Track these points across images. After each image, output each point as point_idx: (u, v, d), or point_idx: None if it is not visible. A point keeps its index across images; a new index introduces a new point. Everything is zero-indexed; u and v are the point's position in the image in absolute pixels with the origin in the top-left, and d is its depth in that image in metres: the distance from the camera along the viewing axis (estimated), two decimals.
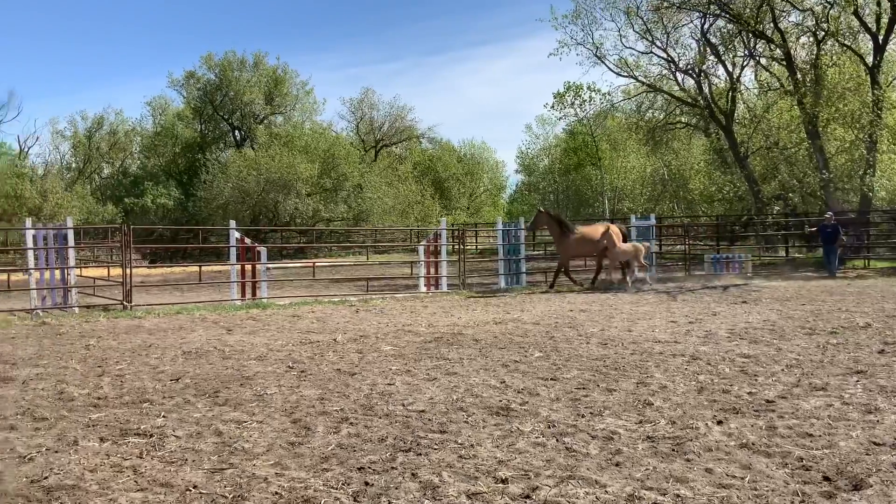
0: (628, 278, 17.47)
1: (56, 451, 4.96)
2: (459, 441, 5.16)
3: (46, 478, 4.42)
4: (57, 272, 14.83)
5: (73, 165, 54.80)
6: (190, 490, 4.20)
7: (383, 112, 58.45)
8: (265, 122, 53.36)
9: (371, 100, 58.21)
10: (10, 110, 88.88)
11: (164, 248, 38.99)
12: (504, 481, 4.36)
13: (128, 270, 14.78)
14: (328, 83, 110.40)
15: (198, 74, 52.90)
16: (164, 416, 5.88)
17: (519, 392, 6.67)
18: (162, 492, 4.19)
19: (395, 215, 46.39)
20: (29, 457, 4.83)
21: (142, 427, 5.56)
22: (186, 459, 4.78)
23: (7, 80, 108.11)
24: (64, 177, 50.78)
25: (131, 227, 15.43)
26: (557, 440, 5.14)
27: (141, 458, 4.83)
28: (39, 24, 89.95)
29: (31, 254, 14.84)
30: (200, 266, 19.74)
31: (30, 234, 14.90)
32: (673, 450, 4.86)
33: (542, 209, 19.47)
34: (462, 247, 19.63)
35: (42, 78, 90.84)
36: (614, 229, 17.84)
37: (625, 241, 17.96)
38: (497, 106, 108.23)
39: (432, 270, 18.51)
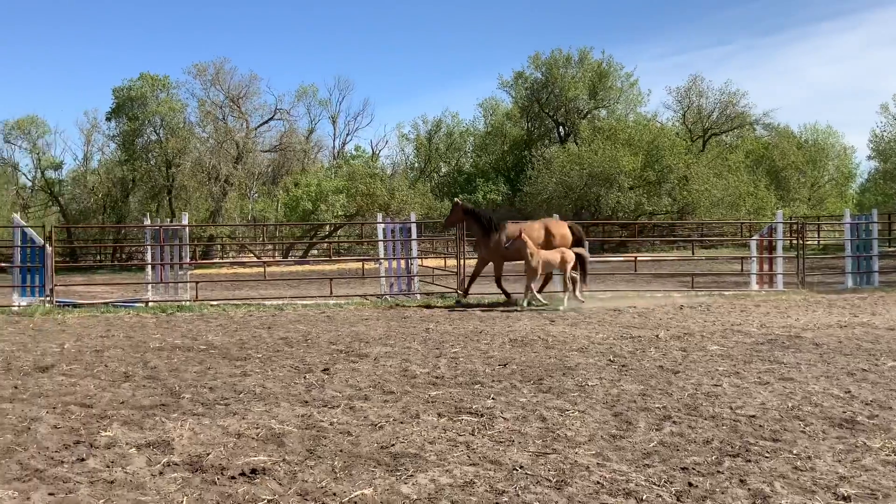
0: (574, 292, 13.60)
1: (401, 422, 5.55)
2: (794, 451, 4.77)
3: (393, 445, 4.97)
4: (402, 262, 16.52)
5: (416, 165, 60.65)
6: (517, 470, 4.43)
7: (712, 99, 55.54)
8: (588, 116, 53.87)
9: (699, 87, 55.62)
10: (364, 117, 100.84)
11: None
12: (846, 499, 3.94)
13: (461, 261, 15.96)
14: (652, 73, 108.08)
15: (525, 74, 55.11)
16: (493, 398, 6.27)
17: (867, 404, 5.96)
18: (492, 468, 4.48)
19: (723, 208, 43.89)
20: (379, 425, 5.46)
21: (473, 406, 5.98)
22: (513, 440, 5.05)
23: (363, 91, 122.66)
24: (408, 176, 56.38)
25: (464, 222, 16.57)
26: None
27: (473, 435, 5.21)
28: (387, 39, 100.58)
29: (381, 245, 16.76)
30: None
31: (380, 227, 16.91)
32: None
33: (458, 200, 15.98)
34: (801, 242, 17.98)
35: (388, 87, 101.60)
36: (534, 230, 14.00)
37: (578, 244, 14.17)
38: (844, 86, 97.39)
39: (766, 267, 17.26)
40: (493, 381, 7.02)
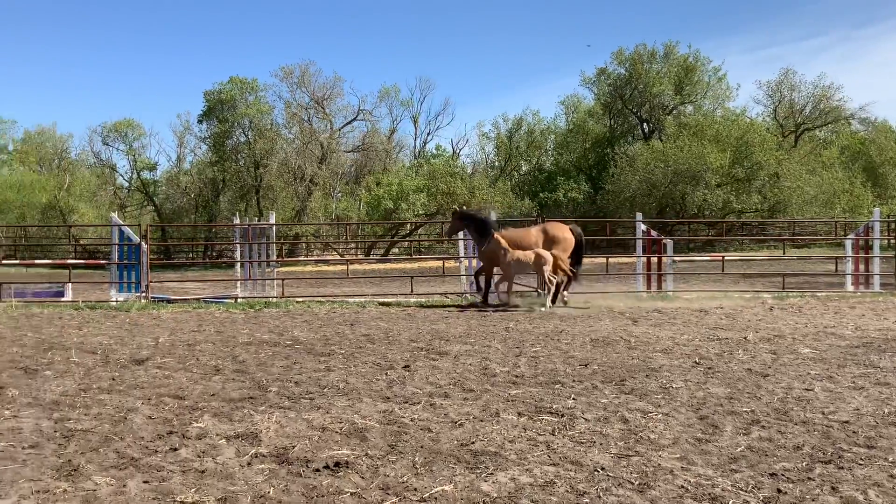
0: (560, 292, 13.63)
1: (481, 420, 5.56)
2: (891, 459, 4.55)
3: (473, 443, 4.98)
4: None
5: (496, 164, 60.56)
6: (598, 471, 4.39)
7: (805, 93, 53.52)
8: (674, 112, 52.68)
9: (791, 81, 53.72)
10: (445, 117, 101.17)
11: None
12: None
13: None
14: (741, 67, 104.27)
15: (608, 70, 54.34)
16: (573, 399, 6.21)
17: None
18: (572, 469, 4.44)
19: (816, 206, 42.20)
20: (459, 423, 5.49)
21: (554, 406, 5.94)
22: (594, 441, 4.99)
23: (444, 91, 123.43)
24: (488, 174, 56.39)
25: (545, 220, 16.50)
26: None
27: (553, 435, 5.17)
28: (468, 38, 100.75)
29: (461, 243, 16.81)
30: (607, 258, 20.27)
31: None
32: None
33: (457, 208, 15.53)
34: None
35: (469, 86, 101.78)
36: (531, 234, 14.05)
37: (579, 247, 14.20)
38: None
39: (862, 267, 16.50)
40: (574, 381, 6.95)
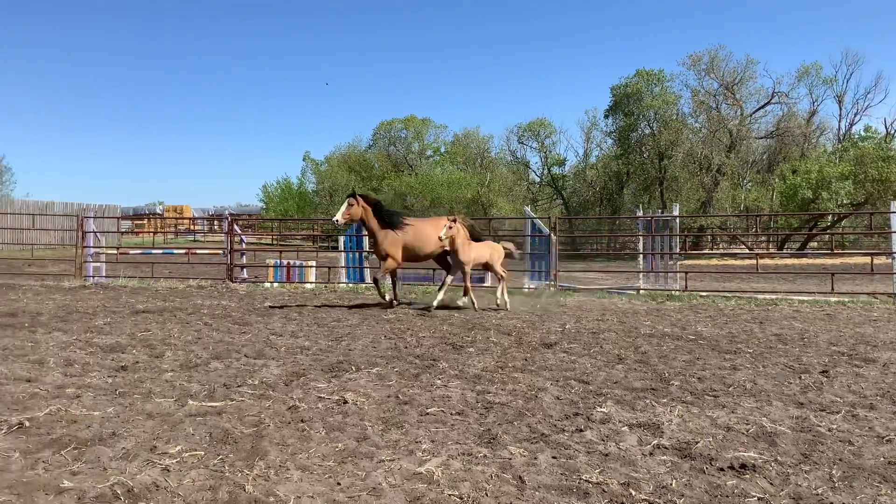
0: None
1: None
2: None
3: None
4: None
5: None
6: None
7: None
8: None
9: None
10: (877, 93, 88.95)
11: None
12: None
13: None
14: None
15: None
16: None
17: None
18: None
19: None
20: (887, 438, 4.84)
21: None
22: None
23: (875, 64, 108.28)
24: None
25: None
26: None
27: None
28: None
29: (894, 237, 14.67)
30: None
31: (894, 217, 14.74)
32: None
33: (353, 193, 12.58)
34: None
35: None
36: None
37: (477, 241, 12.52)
38: None
39: None
40: None
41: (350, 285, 16.82)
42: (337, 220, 12.31)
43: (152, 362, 7.29)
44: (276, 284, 17.01)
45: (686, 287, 16.08)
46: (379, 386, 6.33)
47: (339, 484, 3.97)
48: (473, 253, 12.21)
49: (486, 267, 12.73)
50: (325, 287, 16.62)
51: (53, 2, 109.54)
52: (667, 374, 6.89)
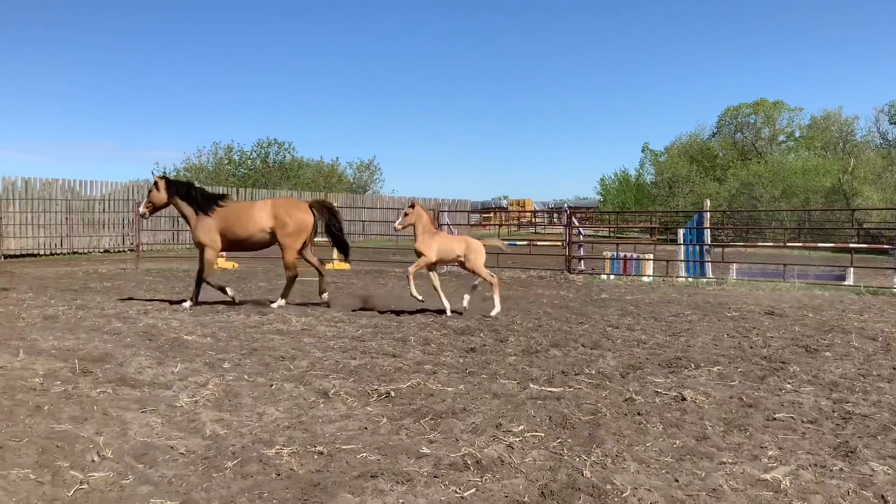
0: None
1: None
2: None
3: None
4: None
5: None
6: None
7: None
8: None
9: None
10: None
11: None
12: None
13: None
14: None
15: None
16: None
17: None
18: None
19: None
20: None
21: None
22: None
23: None
24: None
25: None
26: None
27: None
28: None
29: None
30: None
31: None
32: None
33: (155, 174, 11.15)
34: None
35: None
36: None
37: (330, 227, 11.19)
38: None
39: None
40: None
41: (689, 279, 16.24)
42: (144, 214, 11.24)
43: (497, 346, 7.81)
44: (612, 276, 17.08)
45: None
46: (720, 385, 6.06)
47: (676, 480, 3.91)
48: (437, 245, 10.37)
49: (462, 265, 10.63)
50: (663, 280, 16.27)
51: None
52: None
